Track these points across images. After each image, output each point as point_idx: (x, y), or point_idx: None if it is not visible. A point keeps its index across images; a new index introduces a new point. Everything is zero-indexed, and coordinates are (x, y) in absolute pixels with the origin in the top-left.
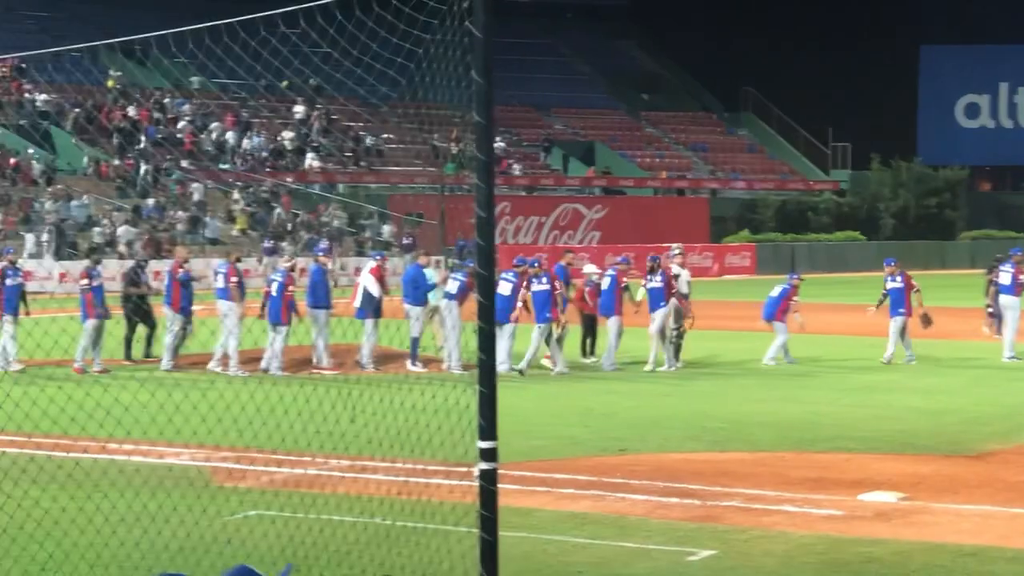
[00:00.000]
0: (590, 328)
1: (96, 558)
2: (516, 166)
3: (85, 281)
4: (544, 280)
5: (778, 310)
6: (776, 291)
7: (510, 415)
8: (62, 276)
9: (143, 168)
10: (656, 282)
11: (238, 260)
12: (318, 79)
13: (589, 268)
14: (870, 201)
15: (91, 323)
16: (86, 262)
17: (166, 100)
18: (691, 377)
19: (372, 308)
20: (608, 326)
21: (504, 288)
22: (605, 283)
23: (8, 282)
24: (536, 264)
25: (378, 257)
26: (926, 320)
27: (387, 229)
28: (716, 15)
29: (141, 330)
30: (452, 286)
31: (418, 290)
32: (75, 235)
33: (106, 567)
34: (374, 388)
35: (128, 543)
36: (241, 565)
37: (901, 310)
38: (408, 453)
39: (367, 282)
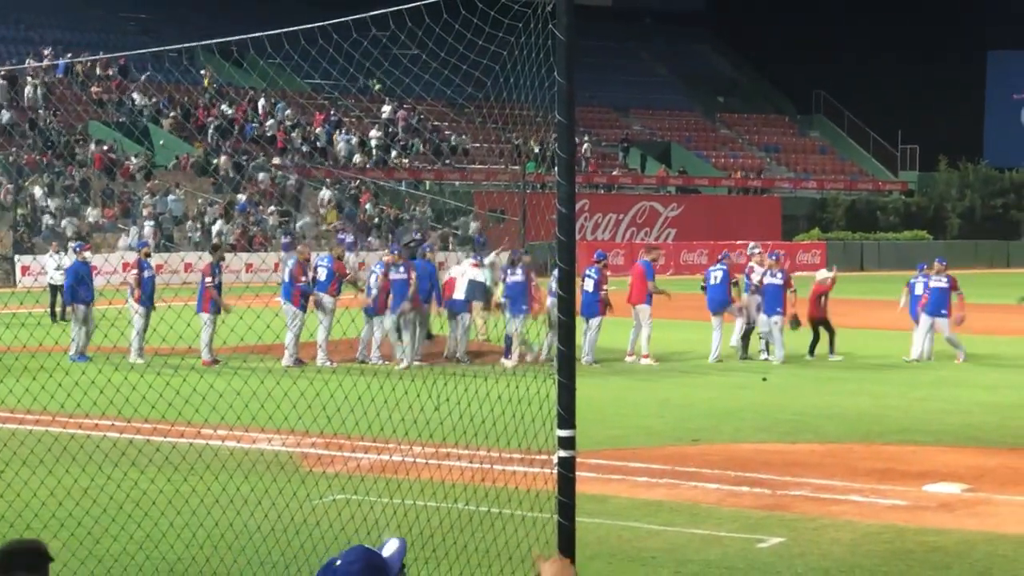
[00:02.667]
0: (821, 329)
1: (191, 538)
2: (597, 168)
3: (209, 279)
4: (402, 270)
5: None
6: (919, 288)
7: (589, 405)
8: (158, 268)
9: (229, 162)
10: (517, 276)
11: (340, 257)
12: (407, 79)
13: (823, 274)
14: (937, 201)
15: (207, 316)
16: (209, 258)
17: (260, 102)
18: (764, 370)
19: (482, 297)
20: (713, 323)
21: (588, 284)
22: (716, 278)
23: (145, 274)
24: (396, 252)
25: (476, 259)
26: (795, 322)
27: (473, 225)
28: (790, 20)
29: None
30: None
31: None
32: (171, 228)
33: (200, 546)
34: (458, 378)
35: (222, 524)
36: (358, 546)
37: (779, 309)
38: (490, 441)
39: (474, 275)
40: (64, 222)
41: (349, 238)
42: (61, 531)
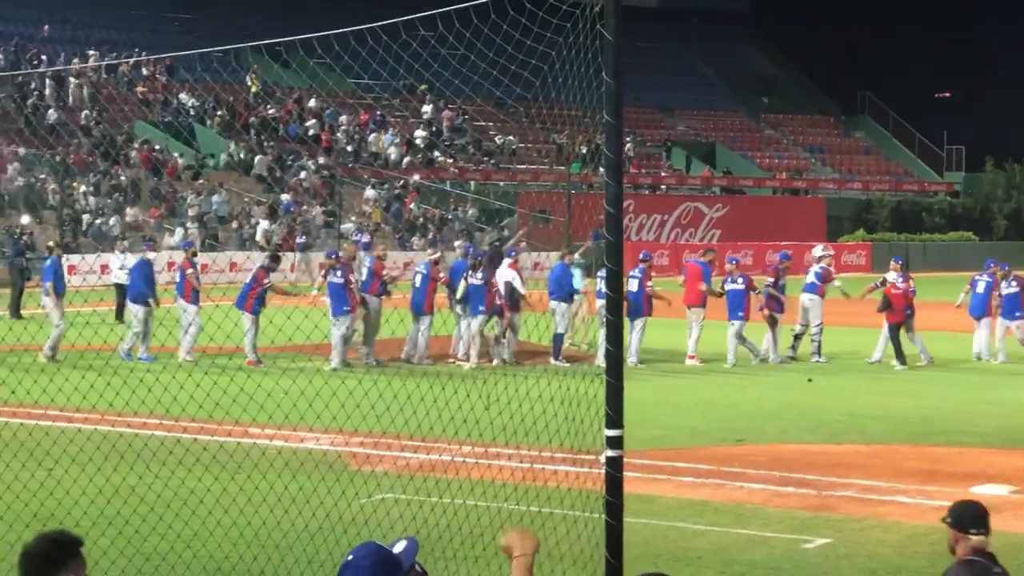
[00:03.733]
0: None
1: (238, 536)
2: (640, 169)
3: (268, 281)
4: (339, 274)
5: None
6: (981, 287)
7: (633, 406)
8: (203, 267)
9: (265, 162)
10: (477, 279)
11: (380, 257)
12: (456, 80)
13: (894, 275)
14: (983, 203)
15: (250, 316)
16: (264, 261)
17: (312, 102)
18: (808, 371)
19: (514, 302)
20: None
21: (632, 284)
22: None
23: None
24: (333, 256)
25: (512, 253)
26: (773, 320)
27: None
28: (835, 20)
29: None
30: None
31: (563, 287)
32: (217, 228)
33: (248, 545)
34: (508, 378)
35: (269, 523)
36: (369, 542)
37: (740, 313)
38: (541, 441)
39: (510, 277)
40: (112, 220)
41: (365, 238)
42: (109, 529)
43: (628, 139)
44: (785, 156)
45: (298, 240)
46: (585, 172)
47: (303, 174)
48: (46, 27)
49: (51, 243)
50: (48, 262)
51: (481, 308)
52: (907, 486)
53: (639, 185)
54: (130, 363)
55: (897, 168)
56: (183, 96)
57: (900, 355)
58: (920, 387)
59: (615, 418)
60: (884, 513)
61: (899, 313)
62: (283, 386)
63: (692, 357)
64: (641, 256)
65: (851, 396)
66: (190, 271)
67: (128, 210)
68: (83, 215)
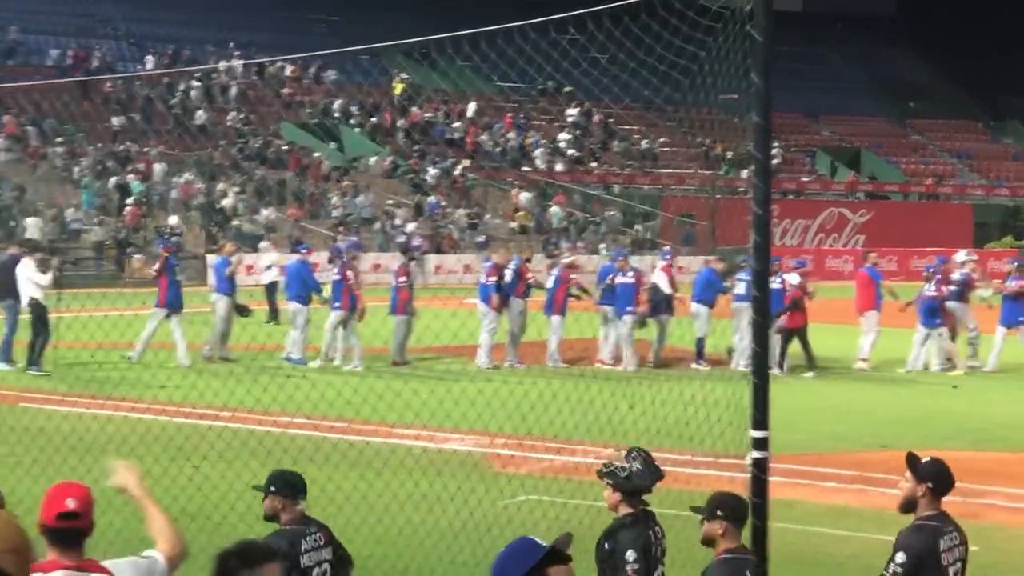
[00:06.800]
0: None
1: (383, 534)
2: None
3: (404, 279)
4: (630, 275)
5: None
6: None
7: (773, 410)
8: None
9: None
10: (627, 278)
11: (527, 260)
12: (605, 79)
13: (796, 278)
14: None
15: (400, 318)
16: (402, 259)
17: (471, 107)
18: (950, 378)
19: (664, 305)
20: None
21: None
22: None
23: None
24: (622, 256)
25: (667, 256)
26: (642, 322)
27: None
28: (983, 24)
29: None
30: (742, 287)
31: (708, 291)
32: (358, 228)
33: (392, 543)
34: (651, 381)
35: (414, 521)
36: (523, 537)
37: (629, 308)
38: (682, 443)
39: (659, 279)
40: (249, 221)
41: (347, 243)
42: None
43: (774, 144)
44: (931, 161)
45: (478, 240)
46: (730, 176)
47: (432, 170)
48: (230, 56)
49: (225, 243)
50: (219, 260)
51: (337, 304)
52: None
53: (784, 191)
54: (293, 366)
55: None
56: (330, 98)
57: (781, 362)
58: None
59: (761, 419)
60: None
61: (800, 318)
62: (429, 386)
63: (865, 360)
64: (795, 264)
65: (995, 403)
66: (350, 273)
67: (263, 211)
68: (227, 215)
